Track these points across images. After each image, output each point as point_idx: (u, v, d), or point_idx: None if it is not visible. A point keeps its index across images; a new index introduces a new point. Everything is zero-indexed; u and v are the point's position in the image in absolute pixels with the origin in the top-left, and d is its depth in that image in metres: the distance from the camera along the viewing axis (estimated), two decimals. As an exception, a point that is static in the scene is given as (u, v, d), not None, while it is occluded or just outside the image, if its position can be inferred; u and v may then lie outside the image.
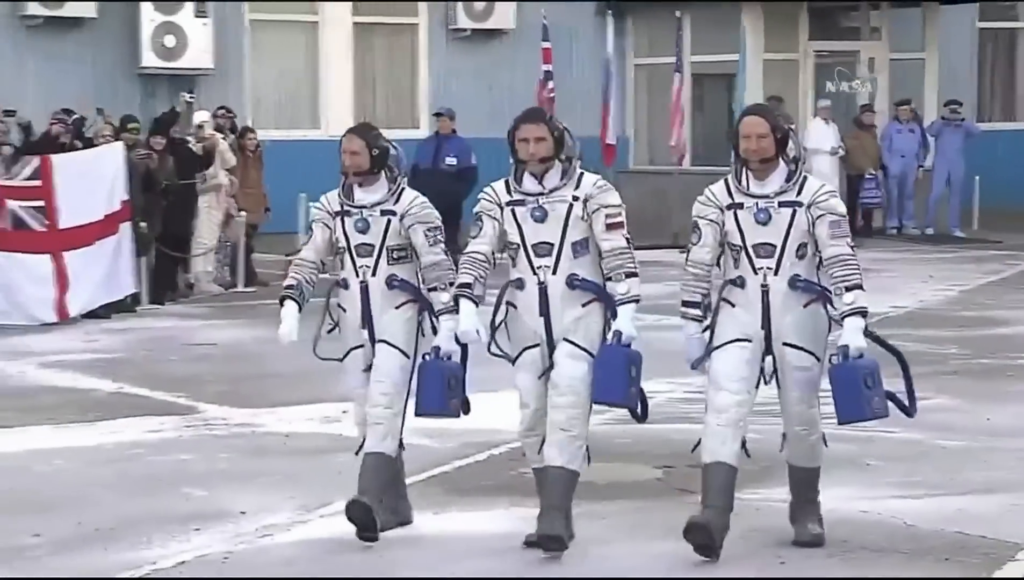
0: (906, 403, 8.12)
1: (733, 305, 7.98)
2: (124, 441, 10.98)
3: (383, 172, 8.39)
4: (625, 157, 26.52)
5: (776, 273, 7.87)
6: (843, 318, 7.79)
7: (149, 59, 23.83)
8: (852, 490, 9.46)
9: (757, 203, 7.87)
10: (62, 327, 16.66)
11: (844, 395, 7.77)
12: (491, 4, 26.03)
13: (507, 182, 8.08)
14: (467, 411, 8.44)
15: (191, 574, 7.91)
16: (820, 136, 25.29)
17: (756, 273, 7.90)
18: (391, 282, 8.36)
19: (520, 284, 8.04)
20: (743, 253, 7.92)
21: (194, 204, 19.28)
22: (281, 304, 8.48)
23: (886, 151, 25.76)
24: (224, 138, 20.04)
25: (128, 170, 17.42)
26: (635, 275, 7.96)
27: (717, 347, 7.95)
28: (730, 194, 7.97)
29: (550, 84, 23.66)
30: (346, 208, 8.40)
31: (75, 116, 19.19)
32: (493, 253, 8.11)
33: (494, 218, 8.08)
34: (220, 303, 19.29)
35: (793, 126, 8.10)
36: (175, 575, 7.89)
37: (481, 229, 8.08)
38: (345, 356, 8.56)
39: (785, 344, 7.91)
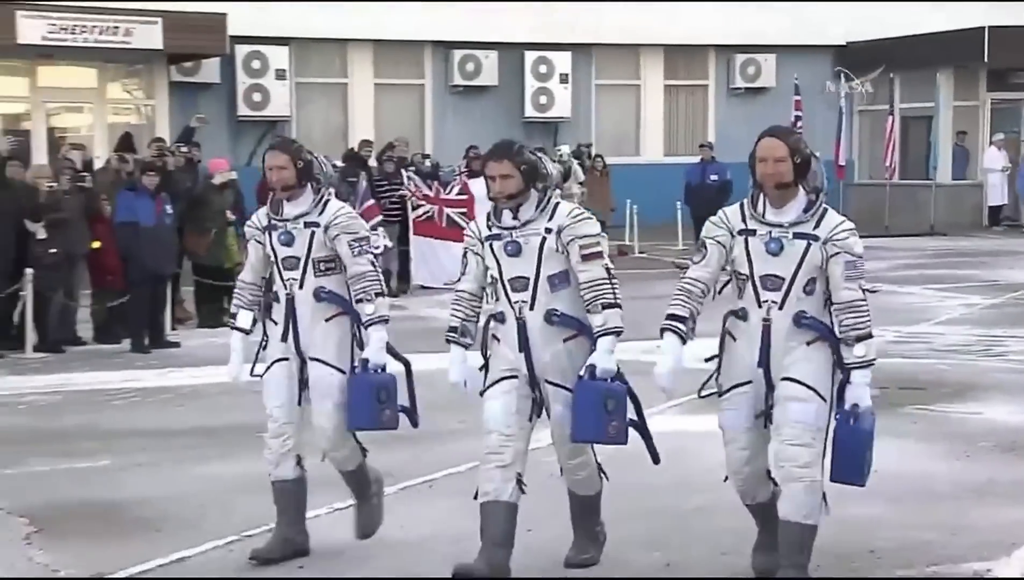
0: None
1: (735, 339, 5.27)
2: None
3: (310, 185, 5.90)
4: (852, 174, 25.89)
5: (781, 308, 5.17)
6: (850, 370, 5.14)
7: (529, 112, 24.21)
8: None
9: (771, 232, 5.18)
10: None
11: (845, 457, 5.17)
12: (759, 69, 25.72)
13: (488, 216, 5.60)
14: (414, 422, 5.99)
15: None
16: (993, 159, 24.89)
17: (760, 306, 5.19)
18: (319, 294, 5.81)
19: (501, 318, 5.50)
20: (749, 283, 5.22)
21: (558, 208, 19.51)
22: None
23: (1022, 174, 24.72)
24: (579, 162, 20.38)
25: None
26: (614, 306, 5.33)
27: (724, 393, 5.32)
28: (744, 219, 5.26)
29: (799, 124, 23.24)
30: (273, 222, 5.90)
31: (478, 151, 19.64)
32: (481, 289, 5.61)
33: (477, 254, 5.56)
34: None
35: (817, 154, 5.39)
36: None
37: (466, 266, 5.64)
38: (266, 371, 5.91)
39: (784, 378, 5.18)
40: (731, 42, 25.32)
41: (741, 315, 5.25)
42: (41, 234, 12.17)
